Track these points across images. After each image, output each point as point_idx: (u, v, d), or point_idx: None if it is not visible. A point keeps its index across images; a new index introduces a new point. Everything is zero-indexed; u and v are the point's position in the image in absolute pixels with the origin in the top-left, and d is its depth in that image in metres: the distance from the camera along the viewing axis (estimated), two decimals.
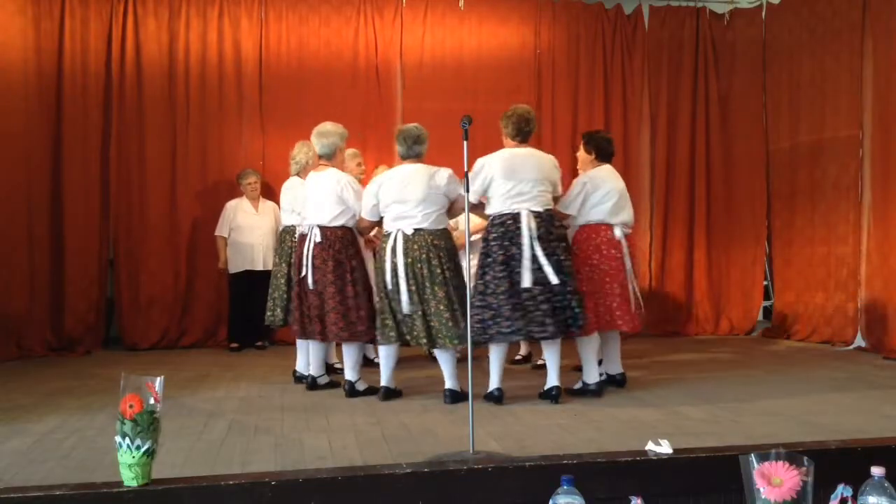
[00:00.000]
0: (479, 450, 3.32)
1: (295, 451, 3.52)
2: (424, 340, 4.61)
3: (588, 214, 4.91)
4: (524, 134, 4.68)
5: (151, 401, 2.47)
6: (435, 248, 4.61)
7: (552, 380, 4.63)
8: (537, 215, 4.53)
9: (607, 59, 8.08)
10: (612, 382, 5.05)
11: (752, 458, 1.90)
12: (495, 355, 4.63)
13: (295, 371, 5.46)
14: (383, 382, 4.80)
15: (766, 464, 1.87)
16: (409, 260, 4.60)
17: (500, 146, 4.74)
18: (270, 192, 7.31)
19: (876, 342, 6.60)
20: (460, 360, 4.83)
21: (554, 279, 4.43)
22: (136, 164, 7.26)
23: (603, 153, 5.09)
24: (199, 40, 7.37)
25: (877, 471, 1.95)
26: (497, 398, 4.57)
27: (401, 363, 6.20)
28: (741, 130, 8.18)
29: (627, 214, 5.02)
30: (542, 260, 4.43)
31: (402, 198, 4.66)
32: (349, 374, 4.93)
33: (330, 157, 5.06)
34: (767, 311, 8.27)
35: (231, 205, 7.13)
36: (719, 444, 3.39)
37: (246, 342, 7.08)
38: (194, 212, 7.37)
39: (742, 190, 8.16)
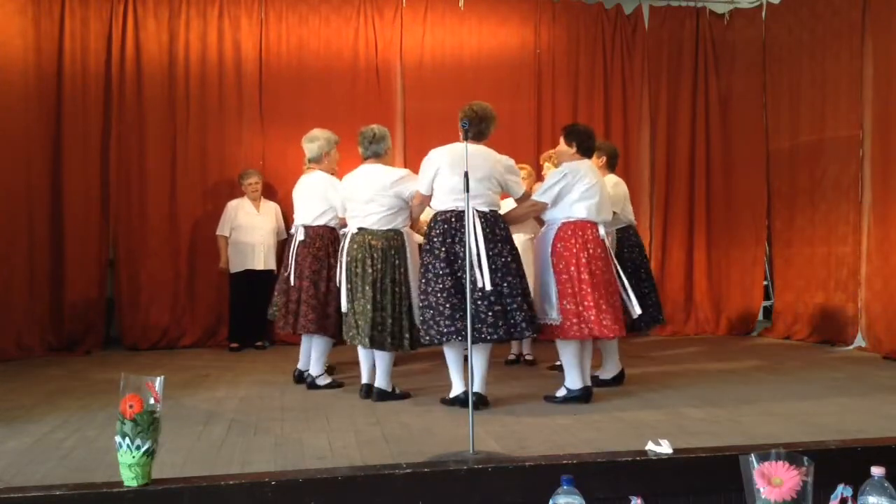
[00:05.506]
0: (479, 450, 3.32)
1: (295, 451, 3.52)
2: (367, 340, 4.56)
3: (571, 209, 4.55)
4: (473, 133, 4.39)
5: (151, 401, 2.48)
6: (370, 248, 4.64)
7: (475, 385, 4.19)
8: (482, 215, 4.33)
9: (607, 59, 8.08)
10: (574, 399, 4.53)
11: (752, 458, 1.90)
12: (450, 357, 4.48)
13: (296, 370, 5.47)
14: (363, 380, 4.84)
15: (766, 464, 1.87)
16: (349, 258, 4.71)
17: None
18: (271, 192, 7.33)
19: (876, 342, 6.59)
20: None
21: (488, 285, 4.21)
22: (136, 163, 7.25)
23: (584, 147, 4.72)
24: (199, 40, 7.37)
25: (877, 471, 1.96)
26: (463, 402, 4.18)
27: (402, 362, 6.21)
28: (741, 130, 8.17)
29: (608, 213, 4.74)
30: (484, 262, 4.24)
31: (355, 196, 4.78)
32: (313, 368, 5.14)
33: (318, 161, 5.32)
34: (767, 311, 8.27)
35: (232, 204, 7.13)
36: (719, 444, 3.38)
37: (246, 342, 7.08)
38: (194, 212, 7.37)
39: (742, 190, 8.16)
